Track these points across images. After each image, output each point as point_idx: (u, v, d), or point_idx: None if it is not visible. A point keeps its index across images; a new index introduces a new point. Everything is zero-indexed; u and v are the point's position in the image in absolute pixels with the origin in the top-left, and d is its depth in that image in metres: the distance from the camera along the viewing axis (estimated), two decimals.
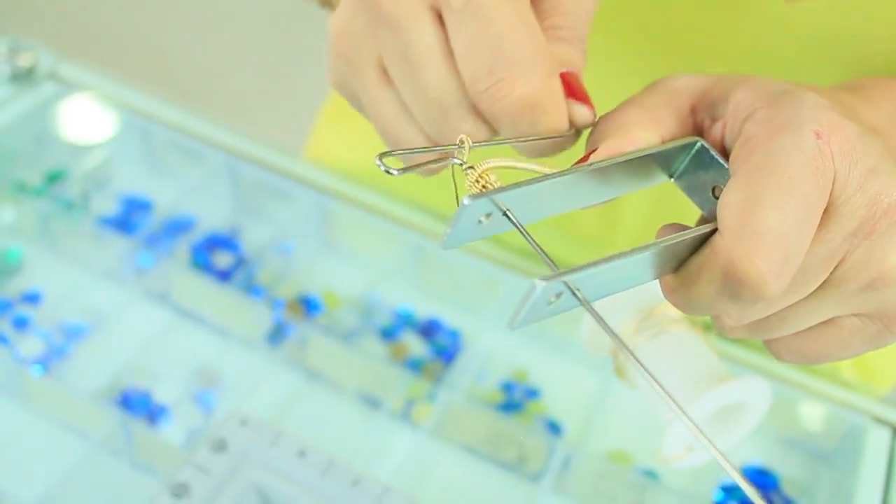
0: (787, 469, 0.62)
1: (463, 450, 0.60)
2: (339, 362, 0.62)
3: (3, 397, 0.59)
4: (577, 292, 0.31)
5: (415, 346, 0.66)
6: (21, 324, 0.63)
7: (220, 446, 0.50)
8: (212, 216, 0.71)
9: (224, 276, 0.67)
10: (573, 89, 0.35)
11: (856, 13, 0.50)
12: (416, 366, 0.64)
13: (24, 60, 0.74)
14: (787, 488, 0.61)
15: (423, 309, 0.68)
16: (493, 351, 0.66)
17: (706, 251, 0.32)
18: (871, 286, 0.33)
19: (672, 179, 0.36)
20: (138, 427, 0.55)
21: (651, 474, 0.60)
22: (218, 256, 0.68)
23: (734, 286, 0.31)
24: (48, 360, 0.61)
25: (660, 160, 0.35)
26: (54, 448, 0.56)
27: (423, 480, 0.58)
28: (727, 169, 0.33)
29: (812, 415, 0.62)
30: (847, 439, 0.62)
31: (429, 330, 0.67)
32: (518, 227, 0.33)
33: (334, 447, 0.52)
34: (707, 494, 0.59)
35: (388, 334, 0.66)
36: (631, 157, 0.34)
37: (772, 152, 0.31)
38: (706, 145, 0.34)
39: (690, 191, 0.35)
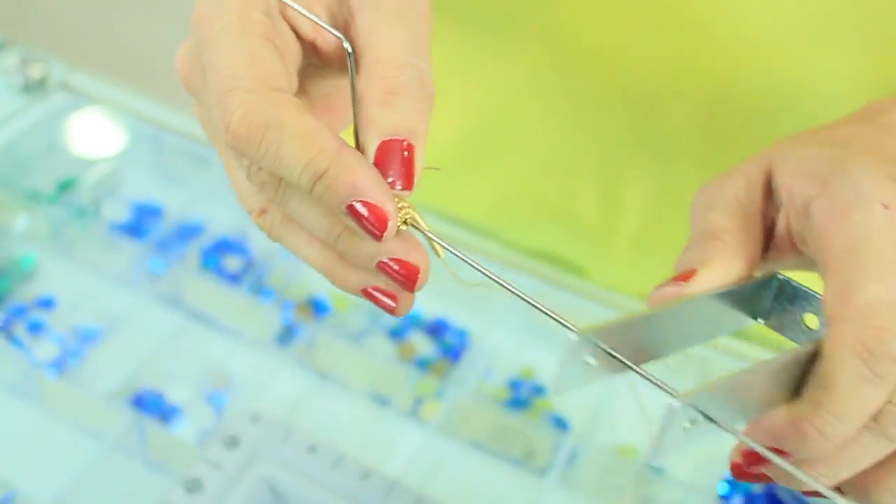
0: None
1: (470, 446, 0.60)
2: (348, 362, 0.63)
3: (19, 399, 0.60)
4: (706, 414, 0.29)
5: (422, 345, 0.67)
6: (36, 328, 0.64)
7: (232, 442, 0.51)
8: (221, 221, 0.72)
9: (234, 279, 0.68)
10: (384, 163, 0.32)
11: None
12: (423, 364, 0.65)
13: (35, 71, 0.76)
14: None
15: (431, 309, 0.69)
16: (499, 350, 0.67)
17: (824, 364, 0.30)
18: None
19: (760, 321, 0.35)
20: (152, 426, 0.56)
21: (657, 468, 0.60)
22: (228, 260, 0.69)
23: (875, 363, 0.30)
24: (62, 363, 0.62)
25: (739, 299, 0.34)
26: (69, 448, 0.58)
27: (431, 476, 0.58)
28: (814, 294, 0.33)
29: None
30: None
31: (436, 330, 0.68)
32: (636, 370, 0.32)
33: (344, 445, 0.53)
34: (712, 487, 0.60)
35: (395, 334, 0.67)
36: (712, 293, 0.33)
37: (849, 236, 0.31)
38: (787, 277, 0.34)
39: (782, 328, 0.35)
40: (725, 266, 0.34)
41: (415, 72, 0.32)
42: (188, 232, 0.71)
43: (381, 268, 0.33)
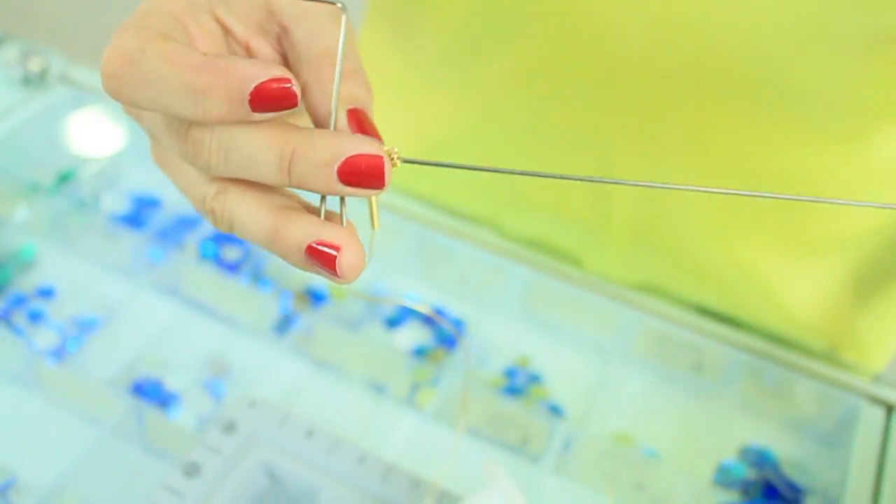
0: (785, 450, 0.63)
1: (466, 432, 0.61)
2: (345, 350, 0.63)
3: (19, 387, 0.60)
4: None
5: (420, 334, 0.67)
6: (36, 317, 0.65)
7: (230, 427, 0.52)
8: None
9: (232, 268, 0.69)
10: (361, 123, 0.34)
11: None
12: (420, 353, 0.65)
13: (35, 65, 0.77)
14: (787, 469, 0.62)
15: (428, 298, 0.70)
16: (495, 338, 0.67)
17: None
18: None
19: None
20: (150, 412, 0.57)
21: (652, 454, 0.61)
22: (226, 250, 0.70)
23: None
24: (62, 352, 0.63)
25: None
26: (69, 435, 0.58)
27: (426, 461, 0.59)
28: None
29: (808, 396, 0.64)
30: (842, 419, 0.63)
31: (433, 319, 0.68)
32: None
33: (341, 431, 0.53)
34: (707, 473, 0.60)
35: (393, 323, 0.68)
36: None
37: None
38: None
39: None
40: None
41: (357, 62, 0.35)
42: (187, 223, 0.72)
43: (340, 172, 0.31)
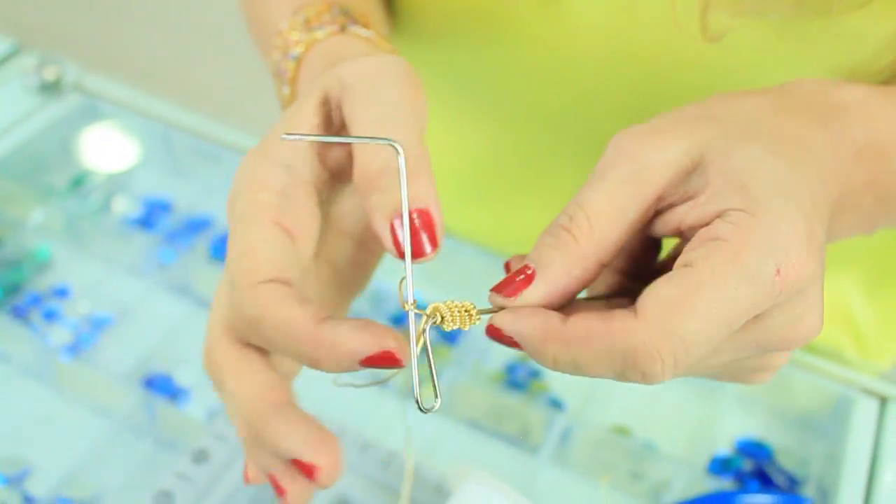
0: (780, 441, 0.64)
1: (466, 424, 0.63)
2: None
3: (35, 382, 0.62)
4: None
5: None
6: (51, 316, 0.67)
7: None
8: None
9: None
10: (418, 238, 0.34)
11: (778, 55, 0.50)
12: (423, 348, 0.67)
13: (50, 73, 0.79)
14: (782, 459, 0.63)
15: (430, 297, 0.71)
16: None
17: (612, 322, 0.32)
18: (758, 369, 0.37)
19: None
20: (161, 404, 0.59)
21: (649, 445, 0.62)
22: None
23: (625, 368, 0.32)
24: (76, 349, 0.65)
25: None
26: (82, 427, 0.60)
27: (427, 452, 0.61)
28: None
29: (804, 388, 0.65)
30: (837, 410, 0.64)
31: None
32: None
33: (343, 421, 0.55)
34: (702, 462, 0.62)
35: (396, 321, 0.69)
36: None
37: (728, 270, 0.31)
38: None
39: None
40: (567, 270, 0.34)
41: (386, 157, 0.34)
42: (197, 225, 0.74)
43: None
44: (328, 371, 0.34)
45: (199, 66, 2.19)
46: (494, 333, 0.35)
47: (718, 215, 0.33)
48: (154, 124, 0.78)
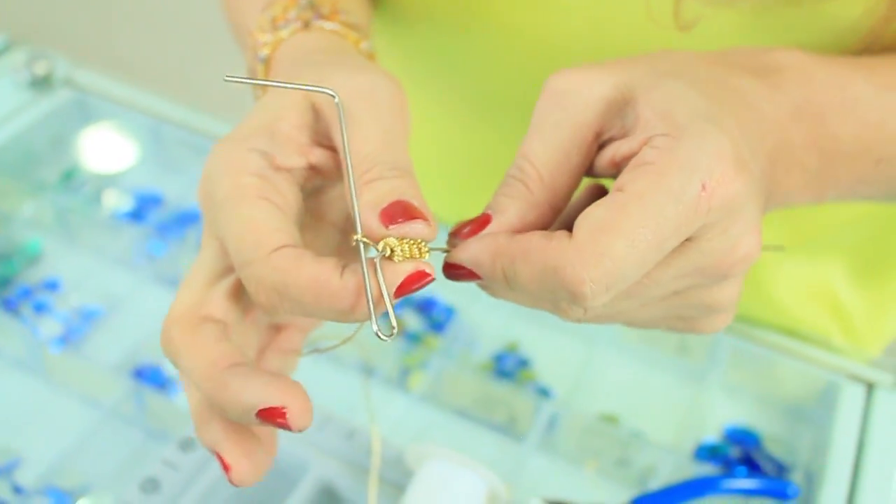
0: (768, 428, 0.65)
1: (454, 412, 0.63)
2: (340, 337, 0.65)
3: (24, 373, 0.63)
4: None
5: (411, 321, 0.69)
6: (41, 308, 0.67)
7: None
8: None
9: None
10: (391, 215, 0.33)
11: (755, 34, 0.50)
12: (413, 339, 0.67)
13: (41, 68, 0.79)
14: (770, 446, 0.64)
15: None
16: (485, 326, 0.69)
17: (551, 240, 0.33)
18: (707, 308, 0.37)
19: None
20: (150, 394, 0.59)
21: (636, 433, 0.63)
22: None
23: (555, 287, 0.33)
24: (66, 340, 0.65)
25: None
26: (72, 418, 0.60)
27: (415, 439, 0.61)
28: None
29: (791, 375, 0.65)
30: (824, 397, 0.64)
31: (425, 307, 0.71)
32: None
33: (331, 409, 0.55)
34: (689, 449, 0.62)
35: (386, 312, 0.70)
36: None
37: (655, 188, 0.32)
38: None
39: None
40: (521, 216, 0.35)
41: (386, 163, 0.35)
42: (187, 218, 0.74)
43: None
44: (360, 320, 0.34)
45: (188, 61, 2.20)
46: (451, 268, 0.36)
47: (646, 143, 0.34)
48: (144, 118, 0.78)
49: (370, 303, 0.32)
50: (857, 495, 0.56)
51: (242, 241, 0.34)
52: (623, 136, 0.36)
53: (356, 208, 0.34)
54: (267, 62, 0.44)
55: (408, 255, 0.33)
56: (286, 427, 0.34)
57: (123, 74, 0.83)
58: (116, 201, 0.76)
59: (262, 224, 0.34)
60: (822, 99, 0.41)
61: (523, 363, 0.67)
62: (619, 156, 0.36)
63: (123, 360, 0.63)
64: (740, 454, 0.63)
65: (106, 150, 0.79)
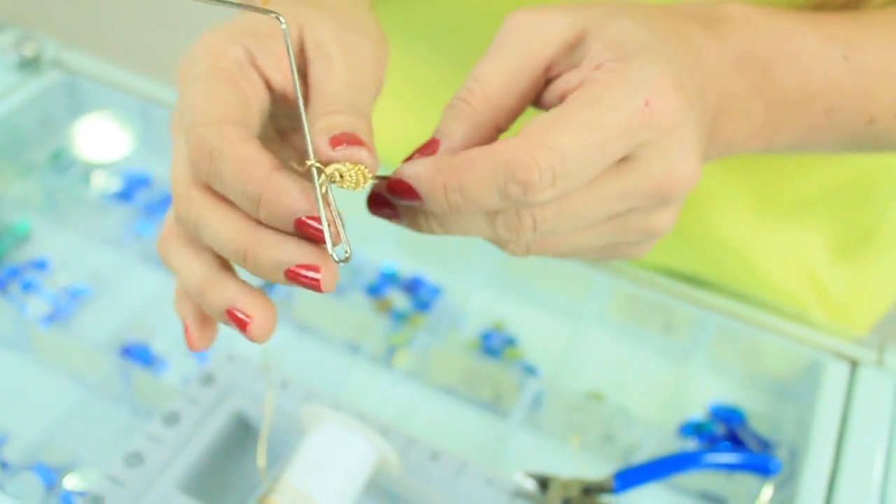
0: (753, 405, 0.65)
1: (440, 390, 0.63)
2: (327, 316, 0.66)
3: (11, 351, 0.63)
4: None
5: (399, 301, 0.70)
6: (29, 287, 0.67)
7: (208, 380, 0.54)
8: None
9: None
10: (339, 139, 0.35)
11: None
12: (399, 318, 0.68)
13: (29, 50, 0.79)
14: (755, 423, 0.64)
15: (407, 267, 0.72)
16: (471, 304, 0.69)
17: (494, 145, 0.35)
18: (646, 233, 0.39)
19: None
20: (136, 371, 0.59)
21: (621, 410, 0.63)
22: None
23: (506, 181, 0.34)
24: (54, 318, 0.65)
25: None
26: (59, 395, 0.61)
27: (401, 416, 0.61)
28: None
29: (776, 352, 0.66)
30: (808, 374, 0.65)
31: (412, 287, 0.71)
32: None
33: (316, 386, 0.56)
34: (674, 426, 0.62)
35: (373, 291, 0.70)
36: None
37: (601, 97, 0.34)
38: None
39: None
40: (467, 137, 0.37)
41: (347, 102, 0.37)
42: None
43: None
44: (270, 219, 0.34)
45: (176, 43, 2.20)
46: (393, 186, 0.37)
47: (595, 69, 0.36)
48: (133, 99, 0.78)
49: (326, 226, 0.33)
50: (839, 471, 0.57)
51: (202, 107, 0.35)
52: (571, 69, 0.38)
53: (306, 132, 0.35)
54: None
55: (354, 181, 0.35)
56: (243, 332, 0.36)
57: (112, 56, 0.83)
58: (104, 182, 0.76)
59: (222, 99, 0.36)
60: (767, 48, 0.42)
61: (509, 342, 0.68)
62: (570, 87, 0.37)
63: (111, 338, 0.63)
64: (725, 431, 0.63)
65: (94, 131, 0.79)
